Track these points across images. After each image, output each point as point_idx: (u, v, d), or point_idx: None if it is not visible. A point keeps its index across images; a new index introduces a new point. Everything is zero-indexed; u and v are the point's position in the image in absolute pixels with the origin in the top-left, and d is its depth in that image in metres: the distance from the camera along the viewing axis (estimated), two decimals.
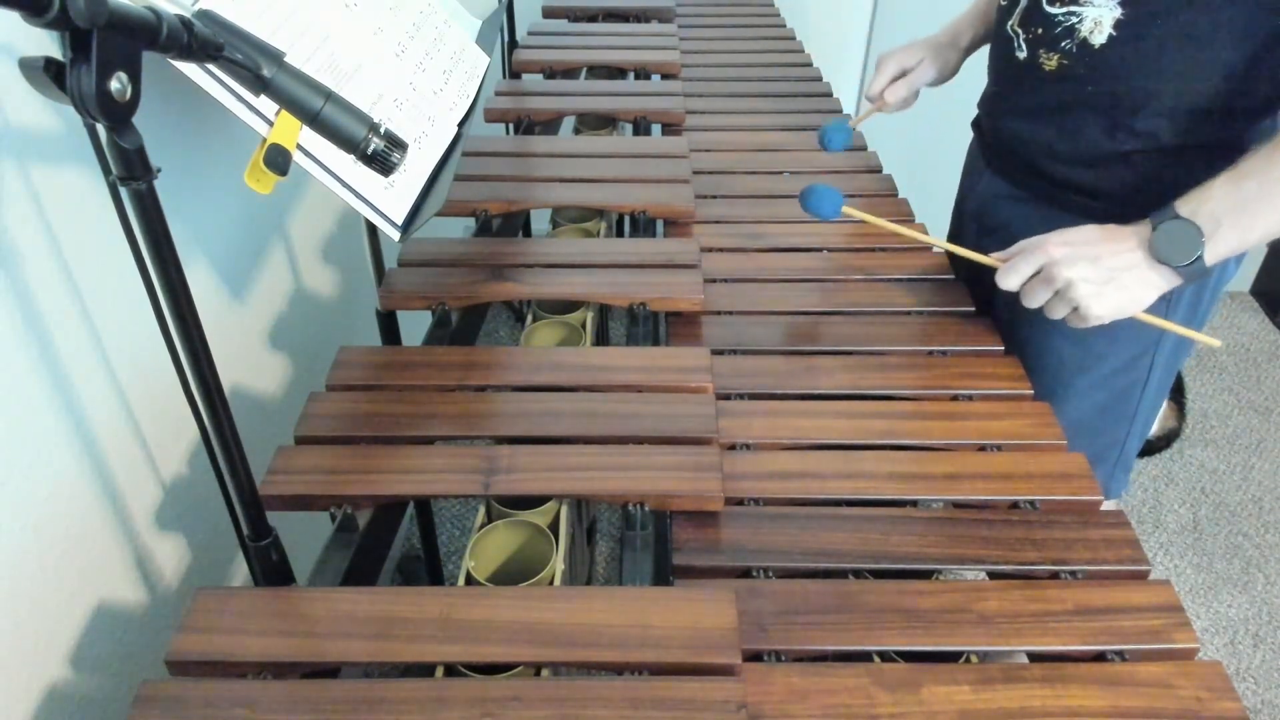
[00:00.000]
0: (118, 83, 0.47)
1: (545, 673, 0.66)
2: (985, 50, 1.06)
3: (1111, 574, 0.73)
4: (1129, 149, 0.89)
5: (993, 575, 0.73)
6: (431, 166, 0.89)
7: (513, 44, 1.70)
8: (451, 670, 0.65)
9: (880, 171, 1.33)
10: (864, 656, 0.67)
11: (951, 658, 0.68)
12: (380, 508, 0.77)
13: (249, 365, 1.10)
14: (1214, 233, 0.75)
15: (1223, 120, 0.85)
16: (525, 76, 1.62)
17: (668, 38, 1.75)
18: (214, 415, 0.62)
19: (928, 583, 0.71)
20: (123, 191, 0.52)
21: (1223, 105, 0.83)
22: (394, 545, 0.81)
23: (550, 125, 1.48)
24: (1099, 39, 0.85)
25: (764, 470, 0.81)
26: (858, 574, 0.73)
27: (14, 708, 0.71)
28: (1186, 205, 0.77)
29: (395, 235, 0.82)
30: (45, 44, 0.67)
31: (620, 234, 1.48)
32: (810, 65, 1.72)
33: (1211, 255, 0.76)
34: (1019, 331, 1.01)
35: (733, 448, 0.84)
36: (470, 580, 0.73)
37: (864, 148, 1.40)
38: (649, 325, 0.98)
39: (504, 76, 1.65)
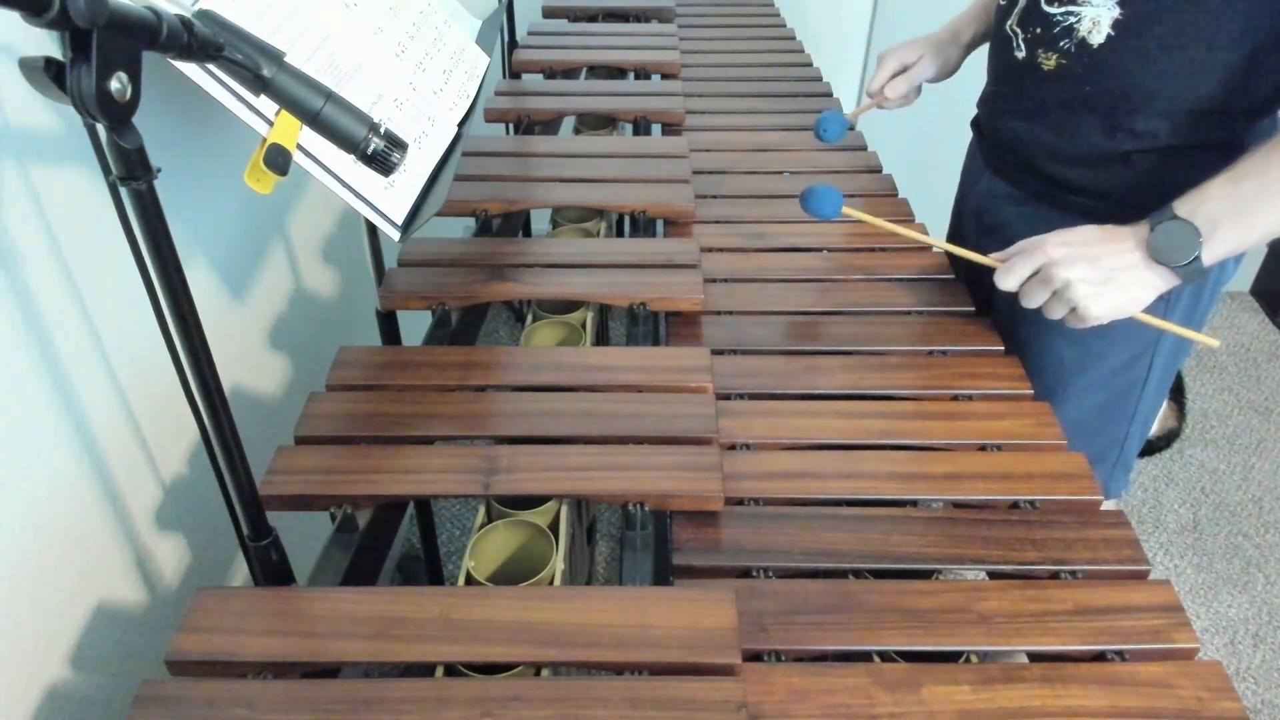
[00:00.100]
0: (118, 83, 0.47)
1: (545, 673, 0.66)
2: (985, 50, 1.06)
3: (1111, 574, 0.73)
4: (1128, 149, 0.89)
5: (993, 575, 0.73)
6: (431, 166, 0.89)
7: (513, 44, 1.70)
8: (451, 670, 0.66)
9: (880, 171, 1.33)
10: (864, 656, 0.67)
11: (951, 658, 0.68)
12: (380, 508, 0.77)
13: (249, 365, 1.10)
14: (1212, 233, 0.75)
15: (1222, 120, 0.85)
16: (525, 76, 1.62)
17: (668, 38, 1.75)
18: (214, 415, 0.62)
19: (928, 583, 0.71)
20: (123, 191, 0.52)
21: (1222, 105, 0.83)
22: (394, 545, 0.80)
23: (550, 125, 1.48)
24: (1097, 39, 0.85)
25: (764, 470, 0.81)
26: (858, 574, 0.73)
27: (14, 708, 0.71)
28: (1184, 206, 0.77)
29: (395, 235, 0.82)
30: (45, 44, 0.67)
31: (620, 234, 1.48)
32: (810, 65, 1.72)
33: (1209, 256, 0.76)
34: (1018, 331, 1.01)
35: (733, 448, 0.84)
36: (470, 580, 0.73)
37: (864, 148, 1.40)
38: (649, 325, 0.98)
39: (504, 76, 1.66)
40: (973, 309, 1.03)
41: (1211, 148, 0.84)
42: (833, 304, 1.04)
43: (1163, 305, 0.88)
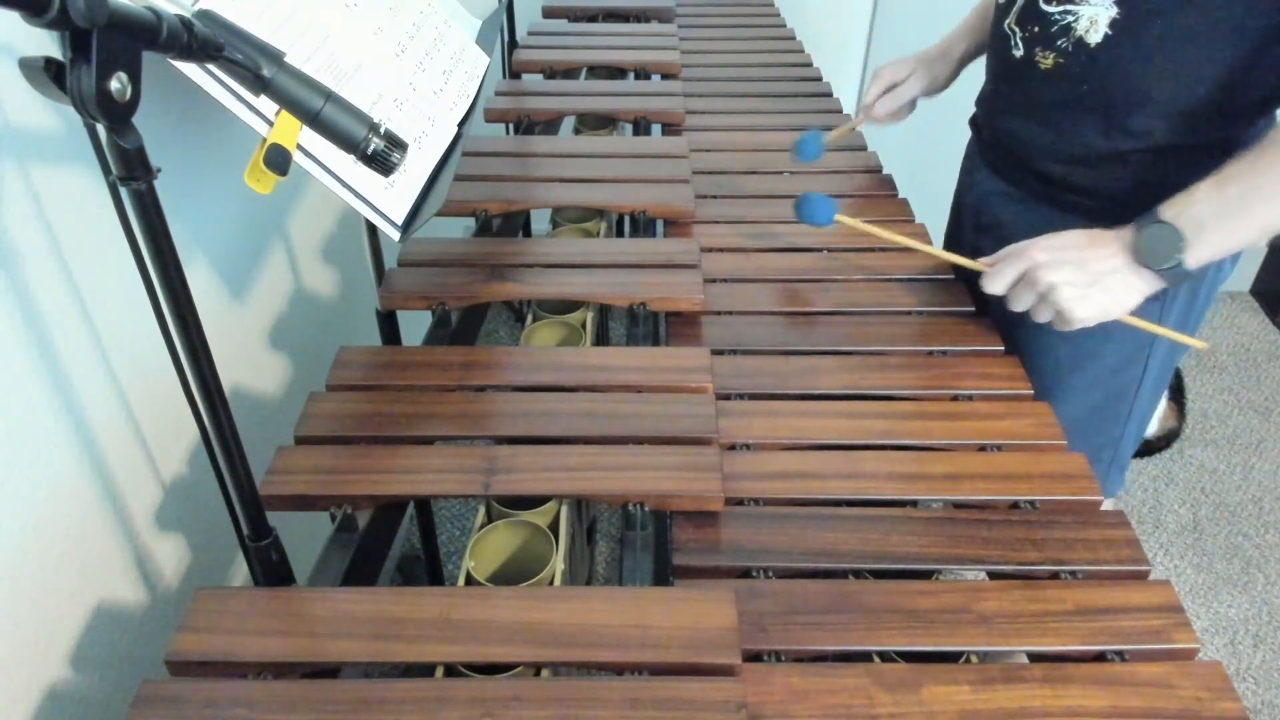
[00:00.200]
0: (118, 83, 0.47)
1: (545, 673, 0.66)
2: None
3: (1111, 574, 0.73)
4: (1125, 148, 0.89)
5: (993, 575, 0.73)
6: (431, 166, 0.89)
7: (513, 44, 1.70)
8: (451, 670, 0.66)
9: (880, 171, 1.33)
10: (864, 656, 0.67)
11: (951, 658, 0.68)
12: (380, 508, 0.77)
13: (249, 365, 1.10)
14: (1197, 237, 0.76)
15: (1219, 120, 0.85)
16: (525, 76, 1.62)
17: (668, 38, 1.75)
18: (214, 415, 0.62)
19: (928, 583, 0.71)
20: (123, 191, 0.52)
21: (1218, 105, 0.84)
22: (394, 545, 0.80)
23: (550, 125, 1.48)
24: (1095, 38, 0.85)
25: (764, 470, 0.81)
26: (858, 574, 0.73)
27: (14, 708, 0.71)
28: (1170, 209, 0.77)
29: (395, 235, 0.82)
30: (45, 44, 0.67)
31: (620, 234, 1.48)
32: (810, 65, 1.72)
33: (1194, 259, 0.76)
34: (1015, 331, 1.01)
35: (733, 448, 0.84)
36: (470, 580, 0.73)
37: (864, 148, 1.40)
38: (649, 325, 0.98)
39: (504, 76, 1.66)
40: (972, 309, 1.03)
41: (1209, 148, 0.84)
42: (833, 304, 1.04)
43: (1158, 306, 0.88)
